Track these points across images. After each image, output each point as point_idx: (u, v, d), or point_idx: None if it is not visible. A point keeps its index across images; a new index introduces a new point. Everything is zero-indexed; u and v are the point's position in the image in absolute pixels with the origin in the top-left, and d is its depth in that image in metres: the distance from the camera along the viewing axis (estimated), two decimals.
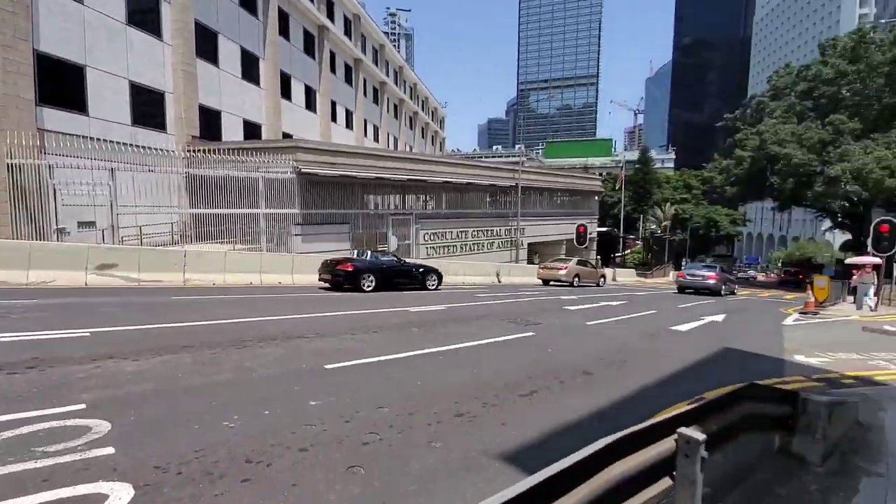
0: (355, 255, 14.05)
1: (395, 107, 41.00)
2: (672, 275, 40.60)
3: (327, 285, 12.60)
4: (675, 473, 2.49)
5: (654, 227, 61.06)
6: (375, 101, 36.61)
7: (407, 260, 15.90)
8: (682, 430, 2.54)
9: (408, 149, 39.58)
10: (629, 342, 7.59)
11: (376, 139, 35.65)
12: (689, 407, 2.79)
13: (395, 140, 39.95)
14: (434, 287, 14.35)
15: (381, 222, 19.69)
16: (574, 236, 28.12)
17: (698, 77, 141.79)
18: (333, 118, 29.47)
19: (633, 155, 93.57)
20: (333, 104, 29.12)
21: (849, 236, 37.80)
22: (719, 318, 11.66)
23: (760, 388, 3.39)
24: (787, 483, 3.31)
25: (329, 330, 6.83)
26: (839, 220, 35.39)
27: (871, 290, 14.31)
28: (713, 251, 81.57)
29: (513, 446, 3.64)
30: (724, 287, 19.34)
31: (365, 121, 34.67)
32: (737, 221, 71.03)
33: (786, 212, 43.48)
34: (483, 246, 25.27)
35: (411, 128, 46.24)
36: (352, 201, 18.59)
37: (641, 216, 61.88)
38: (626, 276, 32.78)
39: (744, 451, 3.51)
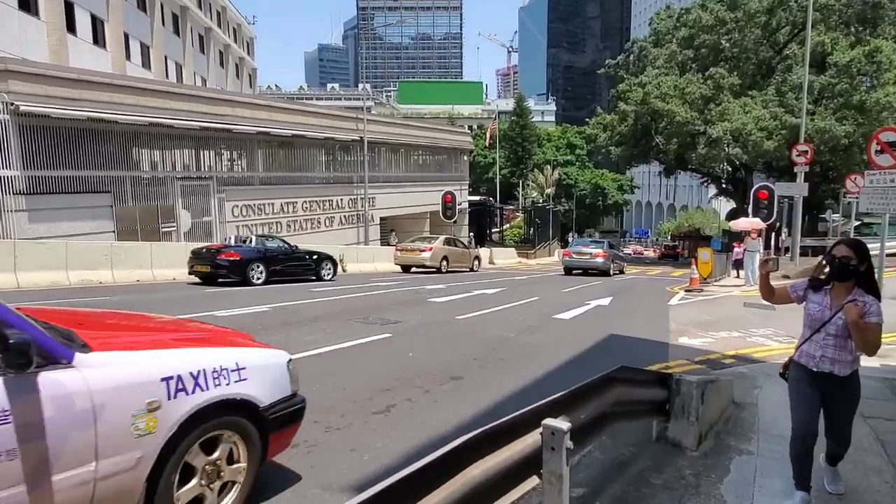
0: (232, 241, 14.88)
1: (202, 38, 38.71)
2: (558, 254, 45.36)
3: (198, 280, 13.57)
4: (541, 470, 2.66)
5: (535, 195, 67.73)
6: (176, 31, 34.38)
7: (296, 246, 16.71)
8: (548, 421, 2.69)
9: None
10: (507, 337, 8.28)
11: (180, 81, 33.07)
12: (556, 396, 2.95)
13: (205, 82, 37.44)
14: (329, 277, 16.37)
15: (165, 191, 18.41)
16: (440, 208, 29.69)
17: (577, 10, 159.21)
18: (128, 55, 27.71)
19: (508, 104, 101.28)
20: (126, 38, 27.39)
21: (734, 204, 47.16)
22: (606, 301, 13.25)
23: (632, 370, 3.88)
24: (664, 471, 3.92)
25: None
26: (724, 186, 43.80)
27: (757, 258, 16.83)
28: (601, 224, 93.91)
29: (363, 479, 3.53)
30: (612, 266, 22.13)
31: (165, 58, 32.98)
32: (624, 188, 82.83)
33: (672, 177, 52.27)
34: (319, 222, 25.32)
35: (222, 65, 43.65)
36: (114, 159, 17.01)
37: (521, 182, 68.03)
38: (506, 258, 34.92)
39: (623, 442, 4.29)
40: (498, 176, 56.22)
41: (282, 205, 23.22)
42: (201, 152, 20.66)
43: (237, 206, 21.14)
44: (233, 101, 21.41)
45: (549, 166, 67.20)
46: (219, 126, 20.18)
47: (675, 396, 4.35)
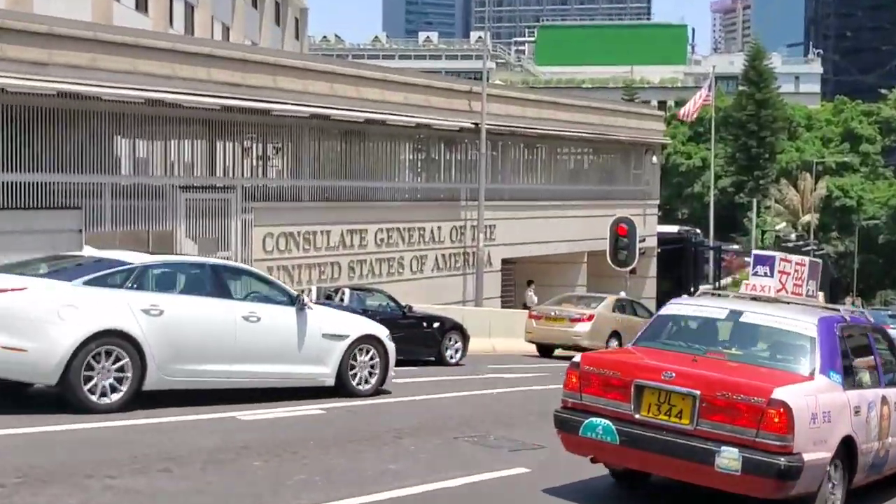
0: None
1: None
2: None
3: None
4: None
5: (781, 225, 65.52)
6: None
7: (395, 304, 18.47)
8: None
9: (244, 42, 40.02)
10: None
11: (190, 30, 36.54)
12: None
13: (227, 30, 40.89)
14: (457, 359, 19.20)
15: (161, 207, 20.10)
16: (608, 246, 29.86)
17: None
18: (171, 20, 31.40)
19: (734, 63, 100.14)
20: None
21: None
22: None
23: None
24: None
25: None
26: None
27: None
28: None
29: None
30: None
31: (212, 19, 36.85)
32: None
33: None
34: (402, 265, 26.38)
35: (278, 22, 47.34)
36: (89, 158, 18.86)
37: (755, 201, 66.52)
38: None
39: None
40: (712, 191, 55.35)
41: (343, 234, 24.37)
42: (217, 146, 22.32)
43: (272, 235, 22.33)
44: (275, 63, 22.97)
45: (807, 174, 65.32)
46: (248, 104, 21.62)
47: None
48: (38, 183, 17.86)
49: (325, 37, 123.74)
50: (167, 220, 20.12)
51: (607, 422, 6.82)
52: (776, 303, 7.95)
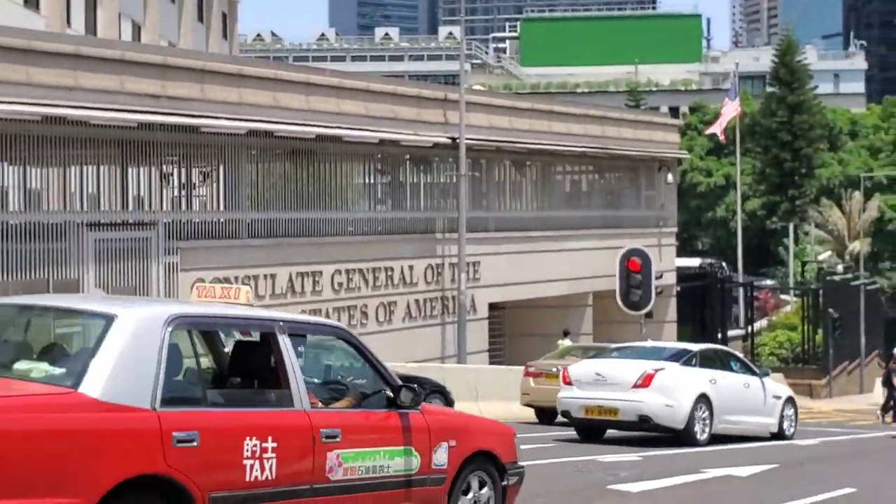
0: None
1: None
2: (879, 387, 43.61)
3: None
4: None
5: (825, 254, 65.51)
6: None
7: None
8: None
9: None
10: None
11: (93, 29, 36.43)
12: None
13: (139, 29, 40.87)
14: None
15: (62, 247, 19.82)
16: (617, 284, 29.73)
17: None
18: (68, 18, 31.38)
19: (760, 59, 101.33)
20: None
21: None
22: None
23: None
24: None
25: None
26: None
27: None
28: None
29: None
30: None
31: (119, 16, 36.85)
32: None
33: None
34: (366, 314, 26.23)
35: (201, 19, 47.49)
36: None
37: (791, 226, 66.58)
38: None
39: None
40: (739, 215, 55.60)
41: (292, 278, 24.17)
42: (131, 172, 22.06)
43: (204, 281, 21.92)
44: (202, 69, 22.78)
45: (854, 192, 65.78)
46: (171, 120, 21.39)
47: None
48: None
49: (259, 35, 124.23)
50: (71, 265, 19.76)
51: None
52: None
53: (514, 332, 32.48)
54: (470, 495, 8.18)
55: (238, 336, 7.75)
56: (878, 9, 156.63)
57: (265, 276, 23.54)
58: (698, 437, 17.86)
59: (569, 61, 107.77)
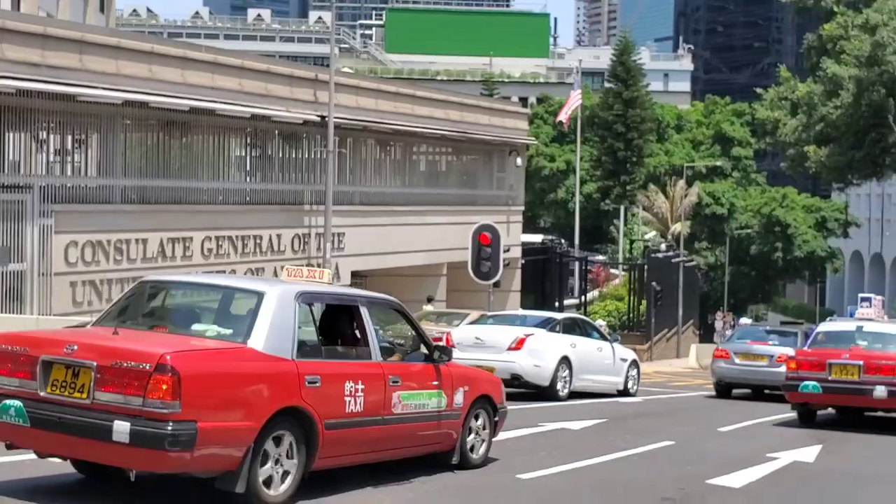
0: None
1: None
2: (695, 352, 45.27)
3: None
4: None
5: (650, 234, 67.26)
6: None
7: None
8: None
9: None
10: None
11: None
12: None
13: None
14: None
15: None
16: (469, 257, 29.64)
17: None
18: None
19: (600, 58, 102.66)
20: None
21: None
22: (810, 452, 13.77)
23: None
24: None
25: None
26: None
27: None
28: (781, 295, 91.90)
29: None
30: None
31: None
32: (830, 226, 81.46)
33: None
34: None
35: None
36: None
37: (623, 209, 68.10)
38: None
39: None
40: (577, 197, 56.37)
41: (163, 243, 23.52)
42: (8, 137, 21.01)
43: (77, 244, 21.33)
44: (81, 40, 21.82)
45: (679, 179, 67.42)
46: (50, 87, 20.50)
47: None
48: None
49: (135, 10, 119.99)
50: None
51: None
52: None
53: (430, 298, 32.33)
54: (474, 425, 10.46)
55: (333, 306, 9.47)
56: (704, 16, 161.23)
57: (137, 240, 22.83)
58: (560, 393, 19.26)
59: (430, 50, 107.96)
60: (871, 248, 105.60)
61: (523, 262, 40.48)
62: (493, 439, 10.95)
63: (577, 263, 50.82)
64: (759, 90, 50.65)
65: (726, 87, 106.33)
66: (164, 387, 6.67)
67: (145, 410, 6.68)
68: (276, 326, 7.84)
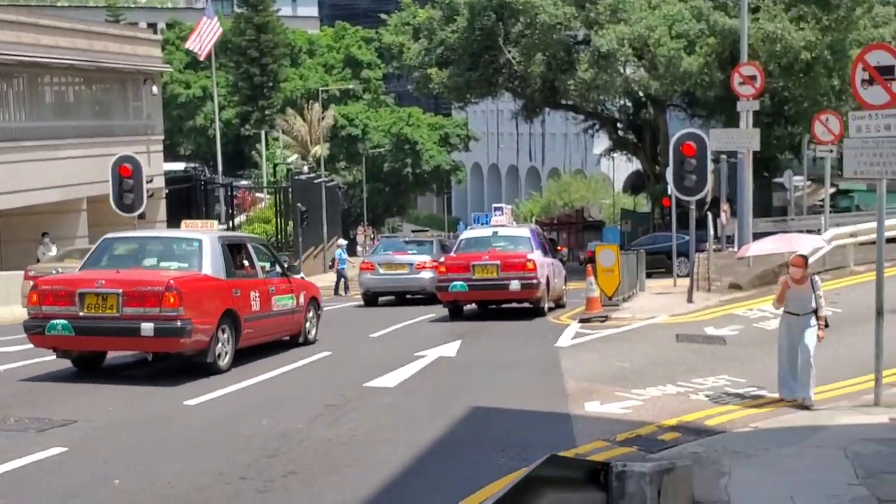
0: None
1: None
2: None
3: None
4: None
5: (292, 157, 67.74)
6: None
7: None
8: None
9: None
10: (293, 431, 9.16)
11: None
12: None
13: None
14: None
15: None
16: (111, 190, 28.80)
17: None
18: None
19: None
20: None
21: (639, 165, 51.30)
22: (451, 348, 15.04)
23: (565, 462, 4.96)
24: None
25: None
26: (620, 134, 47.80)
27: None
28: (413, 207, 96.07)
29: None
30: None
31: None
32: (453, 141, 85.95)
33: (536, 120, 55.41)
34: None
35: None
36: None
37: (262, 133, 68.25)
38: None
39: None
40: (217, 123, 55.73)
41: None
42: None
43: None
44: None
45: (315, 103, 68.29)
46: None
47: (619, 498, 5.08)
48: None
49: None
50: None
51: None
52: None
53: (9, 239, 30.55)
54: (309, 317, 15.45)
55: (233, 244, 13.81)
56: None
57: None
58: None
59: None
60: (489, 160, 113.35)
61: (167, 191, 39.70)
62: None
63: (222, 190, 50.46)
64: (383, 15, 52.06)
65: (351, 12, 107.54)
66: (173, 300, 11.07)
67: (161, 315, 11.09)
68: (215, 259, 12.31)
